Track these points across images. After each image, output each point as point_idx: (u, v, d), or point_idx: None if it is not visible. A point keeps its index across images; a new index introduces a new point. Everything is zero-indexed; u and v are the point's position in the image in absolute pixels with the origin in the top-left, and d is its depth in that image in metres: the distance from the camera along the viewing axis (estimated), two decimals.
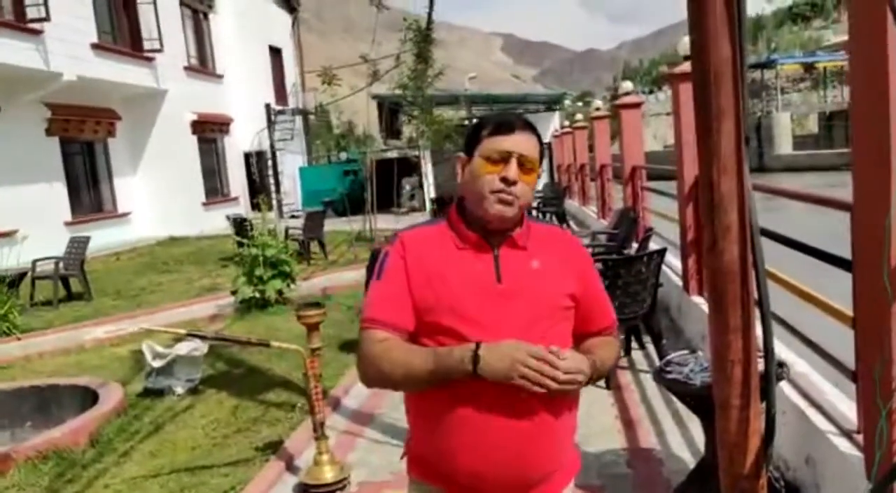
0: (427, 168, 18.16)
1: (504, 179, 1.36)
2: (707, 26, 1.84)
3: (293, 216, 17.71)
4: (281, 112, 20.49)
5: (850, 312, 2.40)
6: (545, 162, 21.68)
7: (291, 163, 21.31)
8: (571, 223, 13.11)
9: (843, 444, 2.34)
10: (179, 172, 16.30)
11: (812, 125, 54.65)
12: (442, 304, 1.35)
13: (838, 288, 2.72)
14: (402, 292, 1.39)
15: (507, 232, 1.41)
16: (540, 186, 19.19)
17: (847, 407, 2.56)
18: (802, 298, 2.93)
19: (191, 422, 4.31)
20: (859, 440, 2.29)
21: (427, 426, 1.42)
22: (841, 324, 2.52)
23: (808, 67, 57.85)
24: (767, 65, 57.01)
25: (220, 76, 19.02)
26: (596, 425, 3.63)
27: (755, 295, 1.94)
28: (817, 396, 2.73)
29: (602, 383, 4.12)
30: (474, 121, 1.49)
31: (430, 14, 12.94)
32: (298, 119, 22.06)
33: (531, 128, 1.43)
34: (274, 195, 18.37)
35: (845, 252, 2.37)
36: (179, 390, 4.78)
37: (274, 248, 7.30)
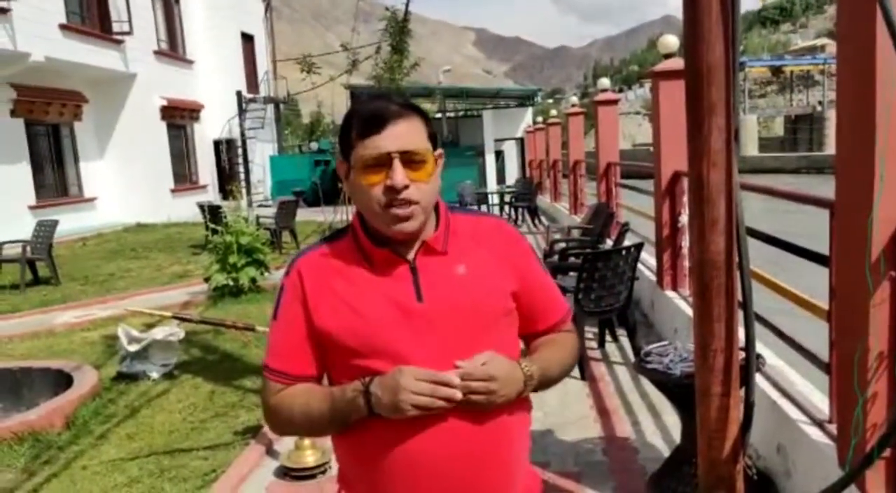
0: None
1: (391, 189, 1.11)
2: (702, 24, 1.89)
3: (263, 205, 17.48)
4: (252, 100, 20.19)
5: (823, 305, 2.49)
6: (517, 158, 21.85)
7: (262, 152, 21.03)
8: (543, 218, 13.23)
9: (814, 433, 2.42)
10: (148, 158, 15.97)
11: (778, 128, 56.12)
12: (355, 339, 1.13)
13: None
14: (298, 335, 1.18)
15: (421, 239, 1.18)
16: (512, 182, 19.36)
17: (818, 398, 2.66)
18: (777, 292, 3.02)
19: (167, 406, 4.27)
20: (831, 429, 2.38)
21: (356, 470, 1.20)
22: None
23: (776, 71, 59.22)
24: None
25: (191, 62, 18.66)
26: (572, 414, 3.70)
27: (739, 286, 2.00)
28: (788, 387, 2.82)
29: (577, 373, 4.19)
30: (345, 116, 1.19)
31: (407, 5, 12.88)
32: (270, 108, 21.76)
33: (408, 109, 1.15)
34: (244, 184, 18.09)
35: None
36: (154, 374, 4.73)
37: (249, 235, 7.23)
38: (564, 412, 3.75)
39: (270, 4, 24.48)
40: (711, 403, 2.08)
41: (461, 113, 24.72)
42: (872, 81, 1.84)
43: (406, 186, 1.11)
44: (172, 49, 18.00)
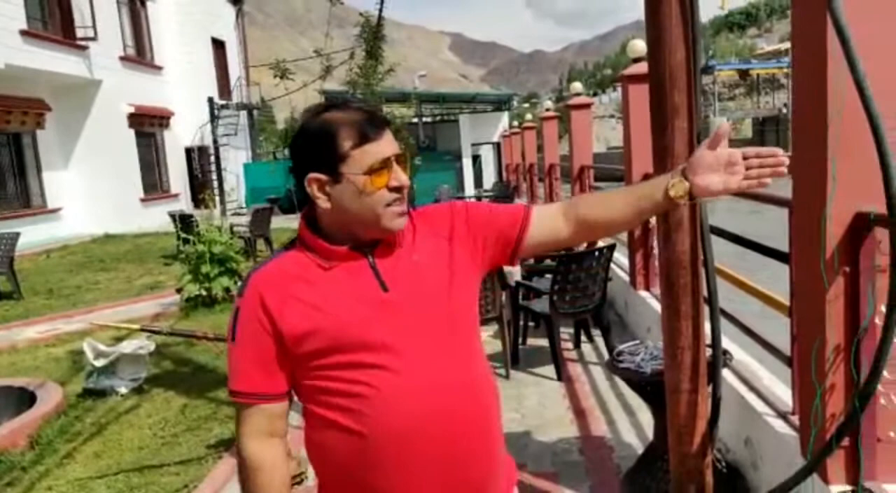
0: None
1: (396, 188, 1.19)
2: (663, 28, 1.96)
3: (237, 213, 17.33)
4: (224, 106, 20.01)
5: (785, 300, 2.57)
6: (494, 162, 21.98)
7: (235, 159, 20.85)
8: None
9: (778, 424, 2.50)
10: (115, 166, 15.70)
11: (747, 130, 57.36)
12: (331, 337, 1.16)
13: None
14: (266, 352, 1.19)
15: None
16: (488, 185, 19.48)
17: (782, 391, 2.73)
18: (743, 290, 3.10)
19: (136, 422, 4.19)
20: (794, 420, 2.45)
21: (337, 477, 1.23)
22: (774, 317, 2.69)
23: (743, 74, 60.51)
24: (705, 71, 59.12)
25: (160, 68, 18.42)
26: (549, 415, 3.75)
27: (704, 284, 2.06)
28: (754, 381, 2.90)
29: (553, 374, 4.25)
30: (318, 130, 1.20)
31: (380, 11, 12.90)
32: (243, 114, 21.59)
33: (383, 115, 1.26)
34: (217, 192, 17.92)
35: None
36: (123, 390, 4.64)
37: (221, 244, 7.16)
38: (542, 412, 3.80)
39: (242, 9, 24.32)
40: (680, 399, 2.15)
41: (438, 118, 24.80)
42: (824, 86, 1.91)
43: (406, 185, 1.21)
44: (140, 55, 17.76)
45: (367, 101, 12.73)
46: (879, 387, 1.91)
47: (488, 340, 4.95)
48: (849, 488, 1.98)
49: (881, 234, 1.89)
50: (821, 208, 1.99)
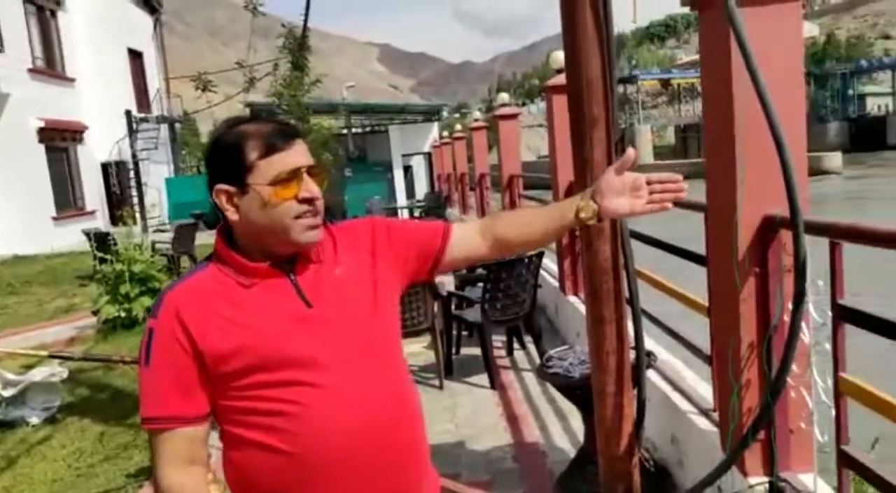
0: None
1: (306, 200, 1.16)
2: (579, 43, 2.01)
3: (159, 230, 16.65)
4: (144, 120, 19.23)
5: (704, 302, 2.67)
6: (425, 172, 22.05)
7: (157, 174, 20.04)
8: None
9: (701, 422, 2.59)
10: (24, 184, 14.75)
11: (670, 137, 60.02)
12: (255, 355, 1.13)
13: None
14: (185, 374, 1.15)
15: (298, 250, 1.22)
16: (420, 196, 19.50)
17: (704, 389, 2.84)
18: (665, 292, 3.21)
19: (50, 454, 3.93)
20: (715, 417, 2.55)
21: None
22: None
23: (665, 83, 63.34)
24: (629, 80, 61.64)
25: (72, 80, 17.54)
26: (482, 423, 3.76)
27: (626, 289, 2.12)
28: (679, 380, 3.00)
29: (486, 383, 4.27)
30: (226, 141, 1.19)
31: (305, 21, 12.74)
32: (164, 127, 20.81)
33: (295, 127, 1.25)
34: (137, 208, 17.17)
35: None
36: (35, 420, 4.35)
37: (142, 263, 6.87)
38: (476, 421, 3.80)
39: (160, 19, 23.50)
40: (607, 402, 2.19)
41: (368, 129, 24.68)
42: (730, 97, 2.01)
43: (318, 197, 1.19)
44: (50, 66, 16.85)
45: (293, 112, 12.58)
46: (789, 381, 2.01)
47: (421, 351, 4.93)
48: (766, 479, 2.07)
49: (786, 236, 2.00)
50: (732, 212, 2.08)
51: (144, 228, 15.72)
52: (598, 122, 2.05)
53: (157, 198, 19.66)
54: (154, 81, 21.80)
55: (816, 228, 1.85)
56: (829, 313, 1.85)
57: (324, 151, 14.08)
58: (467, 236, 1.38)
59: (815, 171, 38.27)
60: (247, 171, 1.16)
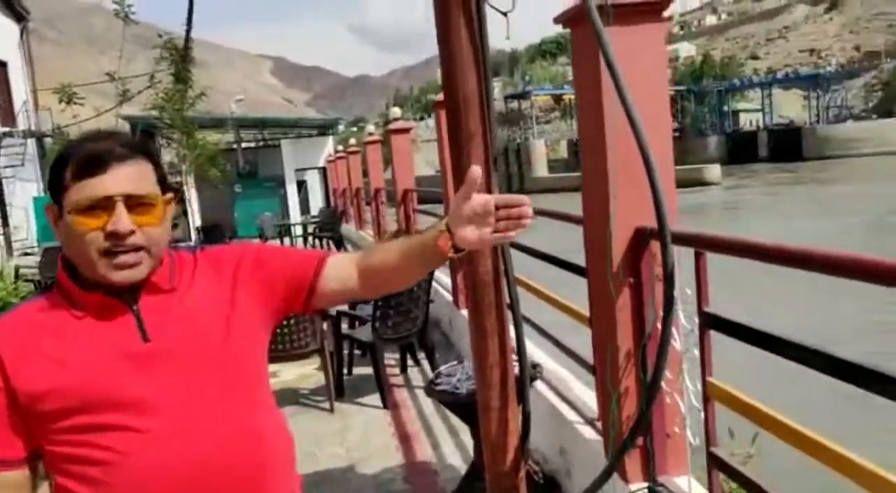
0: (191, 194, 16.95)
1: (114, 235, 1.04)
2: (454, 59, 2.00)
3: (26, 253, 15.25)
4: (8, 134, 17.64)
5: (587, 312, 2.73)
6: (321, 187, 21.67)
7: (23, 192, 18.37)
8: (349, 247, 13.19)
9: (587, 431, 2.64)
10: None
11: (563, 151, 62.74)
12: (73, 397, 1.02)
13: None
14: None
15: (145, 279, 1.11)
16: (315, 212, 19.11)
17: (590, 398, 2.90)
18: (550, 303, 3.26)
19: None
20: (599, 426, 2.60)
21: None
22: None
23: (557, 99, 66.30)
24: (523, 96, 63.74)
25: None
26: (374, 445, 3.66)
27: (508, 301, 2.11)
28: (566, 391, 3.05)
29: (379, 402, 4.17)
30: (57, 157, 1.10)
31: (188, 32, 12.18)
32: (31, 142, 19.16)
33: (134, 151, 1.09)
34: (0, 230, 15.66)
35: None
36: None
37: (2, 290, 6.25)
38: (367, 443, 3.69)
39: (27, 27, 21.70)
40: (492, 417, 2.17)
41: (261, 143, 23.94)
42: (601, 112, 2.07)
43: (132, 232, 1.05)
44: None
45: (177, 127, 11.94)
46: (664, 387, 2.07)
47: (312, 373, 4.76)
48: (645, 485, 2.12)
49: (657, 247, 2.07)
50: (606, 224, 2.14)
51: (9, 252, 14.35)
52: (476, 137, 2.04)
53: (23, 219, 18.03)
54: (21, 93, 20.06)
55: (682, 239, 1.93)
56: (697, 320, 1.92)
57: (210, 166, 13.57)
58: (344, 268, 1.26)
59: (697, 182, 41.40)
60: (63, 191, 1.07)
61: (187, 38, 11.22)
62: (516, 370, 2.22)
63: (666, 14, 2.18)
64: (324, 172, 21.32)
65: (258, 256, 1.24)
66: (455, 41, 2.02)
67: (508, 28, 2.25)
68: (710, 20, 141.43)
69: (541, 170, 54.72)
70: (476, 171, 1.11)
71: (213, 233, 14.79)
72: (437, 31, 2.10)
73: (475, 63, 2.04)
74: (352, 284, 1.27)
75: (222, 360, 1.12)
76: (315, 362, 4.55)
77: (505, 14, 2.11)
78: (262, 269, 1.22)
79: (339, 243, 13.30)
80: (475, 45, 2.03)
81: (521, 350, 2.20)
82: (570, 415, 2.83)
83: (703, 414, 1.92)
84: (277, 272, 1.23)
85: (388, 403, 4.20)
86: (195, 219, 16.66)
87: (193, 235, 15.70)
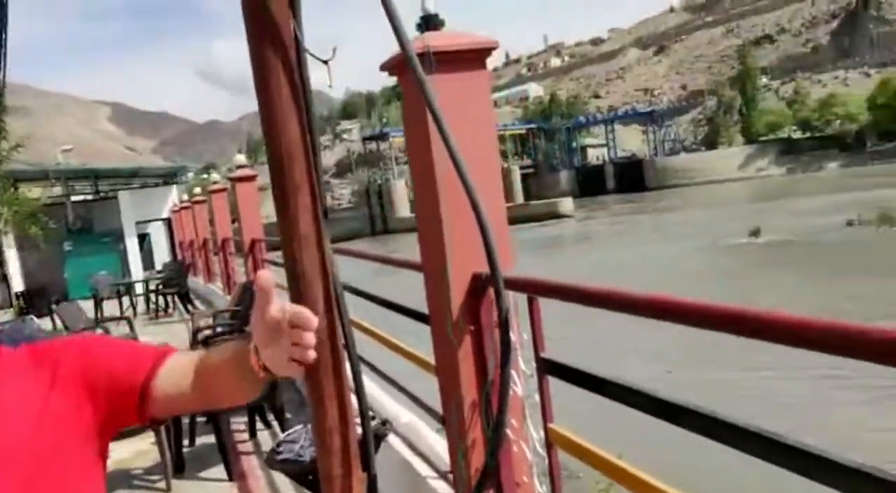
0: (10, 255, 15.09)
1: None
2: (275, 113, 1.88)
3: None
4: None
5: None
6: (166, 239, 20.24)
7: None
8: (197, 303, 12.32)
9: (440, 486, 2.54)
10: None
11: None
12: None
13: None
14: None
15: None
16: (160, 266, 17.75)
17: (442, 448, 2.81)
18: (396, 351, 3.17)
19: None
20: (452, 479, 2.51)
21: None
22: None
23: None
24: (381, 137, 64.45)
25: None
26: None
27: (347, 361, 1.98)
28: (419, 443, 2.95)
29: (224, 475, 3.81)
30: None
31: (3, 77, 11.04)
32: None
33: None
34: None
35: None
36: None
37: None
38: None
39: None
40: (335, 486, 2.00)
41: (99, 195, 22.01)
42: (430, 157, 2.05)
43: None
44: None
45: None
46: (510, 435, 2.04)
47: (148, 448, 4.26)
48: None
49: (493, 293, 2.06)
50: (444, 271, 2.10)
51: None
52: (302, 188, 1.92)
53: None
54: None
55: (515, 284, 1.93)
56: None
57: (31, 224, 12.20)
58: (184, 366, 1.05)
59: (553, 215, 44.10)
60: None
61: (3, 83, 10.15)
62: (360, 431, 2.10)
63: (489, 62, 2.24)
64: (169, 223, 19.99)
65: (85, 354, 1.04)
66: (274, 92, 1.92)
67: (331, 76, 2.19)
68: (555, 62, 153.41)
69: (403, 210, 55.47)
70: (265, 276, 0.93)
71: (37, 298, 13.22)
72: (254, 80, 1.99)
73: (297, 112, 1.95)
74: (186, 391, 1.04)
75: (27, 468, 0.95)
76: (151, 436, 4.08)
77: (326, 62, 2.06)
78: (88, 369, 1.02)
79: (186, 298, 12.40)
80: (296, 94, 1.94)
81: (363, 412, 2.08)
82: (423, 469, 2.72)
83: (547, 461, 1.90)
84: (101, 372, 1.02)
85: (235, 473, 3.85)
86: (14, 283, 14.82)
87: (13, 302, 13.95)
